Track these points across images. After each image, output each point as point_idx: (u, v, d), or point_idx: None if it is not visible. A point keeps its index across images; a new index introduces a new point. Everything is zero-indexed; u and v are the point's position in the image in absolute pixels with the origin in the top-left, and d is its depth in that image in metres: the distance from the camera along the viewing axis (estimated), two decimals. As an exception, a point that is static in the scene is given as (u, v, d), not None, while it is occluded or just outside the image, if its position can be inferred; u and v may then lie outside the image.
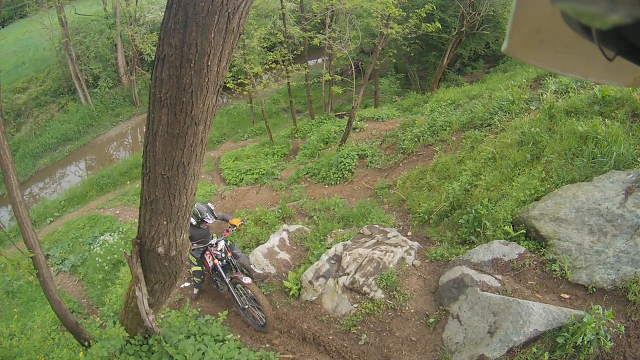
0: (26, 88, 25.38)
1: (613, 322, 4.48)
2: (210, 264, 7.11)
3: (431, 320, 5.64)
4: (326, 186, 11.78)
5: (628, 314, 4.60)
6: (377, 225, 8.04)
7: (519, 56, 0.75)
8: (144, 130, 2.75)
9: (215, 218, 7.26)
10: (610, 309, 4.51)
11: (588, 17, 0.54)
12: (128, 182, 18.74)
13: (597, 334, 4.36)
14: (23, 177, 20.81)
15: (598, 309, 4.50)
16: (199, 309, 6.84)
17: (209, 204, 7.28)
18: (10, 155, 4.05)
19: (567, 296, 5.06)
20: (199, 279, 7.58)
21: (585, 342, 4.34)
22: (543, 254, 5.57)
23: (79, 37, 26.11)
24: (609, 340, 4.38)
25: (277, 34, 16.76)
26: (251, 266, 7.39)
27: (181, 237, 3.20)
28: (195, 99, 2.49)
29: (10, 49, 28.24)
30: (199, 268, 7.43)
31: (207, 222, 7.08)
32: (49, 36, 23.58)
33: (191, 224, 6.88)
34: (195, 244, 7.08)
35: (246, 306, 6.80)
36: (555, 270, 5.30)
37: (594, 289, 4.95)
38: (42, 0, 24.46)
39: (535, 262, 5.55)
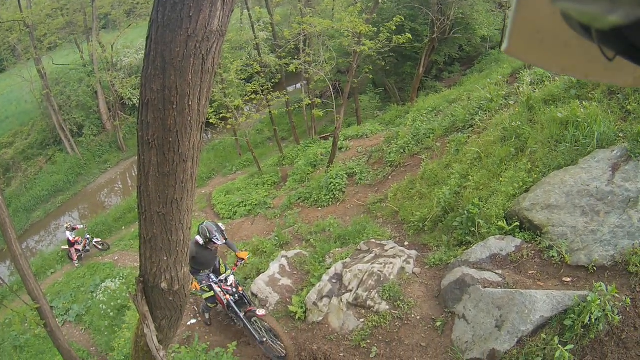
0: (12, 142, 25.47)
1: (618, 296, 4.50)
2: (224, 301, 6.80)
3: (438, 323, 5.68)
4: (319, 209, 11.86)
5: (632, 286, 4.64)
6: (373, 240, 8.06)
7: (519, 56, 0.75)
8: (137, 171, 2.86)
9: (225, 239, 6.55)
10: (614, 284, 4.53)
11: (588, 17, 0.54)
12: (123, 227, 18.73)
13: (603, 310, 4.37)
14: (19, 231, 20.69)
15: (601, 286, 4.51)
16: (208, 343, 6.84)
17: (220, 224, 6.63)
18: (7, 209, 4.13)
19: (569, 279, 5.10)
20: (213, 304, 7.19)
21: (593, 320, 4.36)
22: (539, 243, 5.63)
23: (60, 87, 26.29)
24: (617, 314, 4.40)
25: (253, 64, 16.98)
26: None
27: (182, 271, 3.28)
28: (181, 138, 2.61)
29: (-8, 105, 28.31)
30: (211, 294, 6.95)
31: (216, 244, 6.46)
32: (29, 89, 23.79)
33: (197, 243, 6.46)
34: (199, 270, 6.84)
35: (264, 339, 6.50)
36: (553, 257, 5.35)
37: (595, 268, 4.99)
38: (19, 54, 24.62)
39: (533, 252, 5.61)
